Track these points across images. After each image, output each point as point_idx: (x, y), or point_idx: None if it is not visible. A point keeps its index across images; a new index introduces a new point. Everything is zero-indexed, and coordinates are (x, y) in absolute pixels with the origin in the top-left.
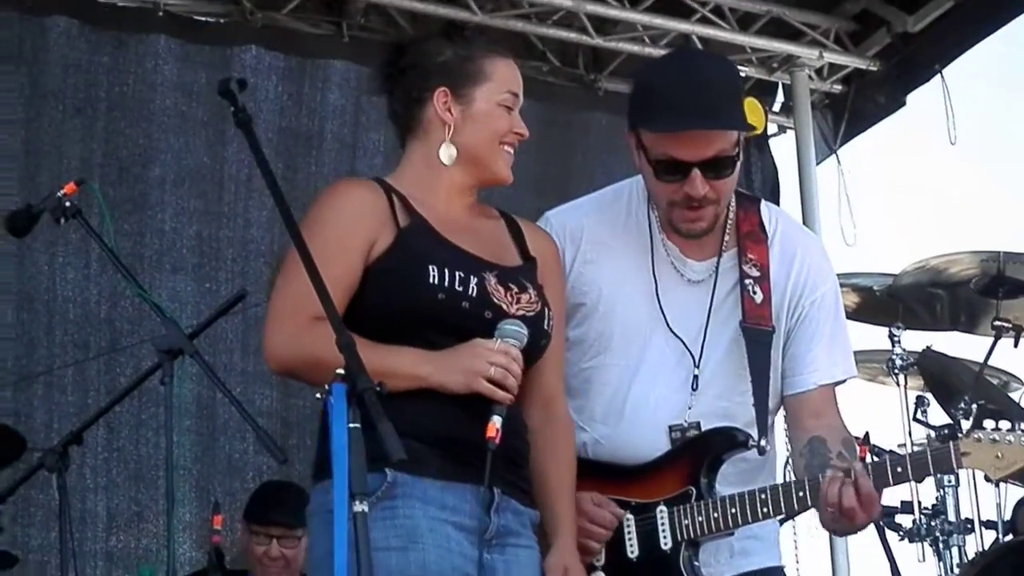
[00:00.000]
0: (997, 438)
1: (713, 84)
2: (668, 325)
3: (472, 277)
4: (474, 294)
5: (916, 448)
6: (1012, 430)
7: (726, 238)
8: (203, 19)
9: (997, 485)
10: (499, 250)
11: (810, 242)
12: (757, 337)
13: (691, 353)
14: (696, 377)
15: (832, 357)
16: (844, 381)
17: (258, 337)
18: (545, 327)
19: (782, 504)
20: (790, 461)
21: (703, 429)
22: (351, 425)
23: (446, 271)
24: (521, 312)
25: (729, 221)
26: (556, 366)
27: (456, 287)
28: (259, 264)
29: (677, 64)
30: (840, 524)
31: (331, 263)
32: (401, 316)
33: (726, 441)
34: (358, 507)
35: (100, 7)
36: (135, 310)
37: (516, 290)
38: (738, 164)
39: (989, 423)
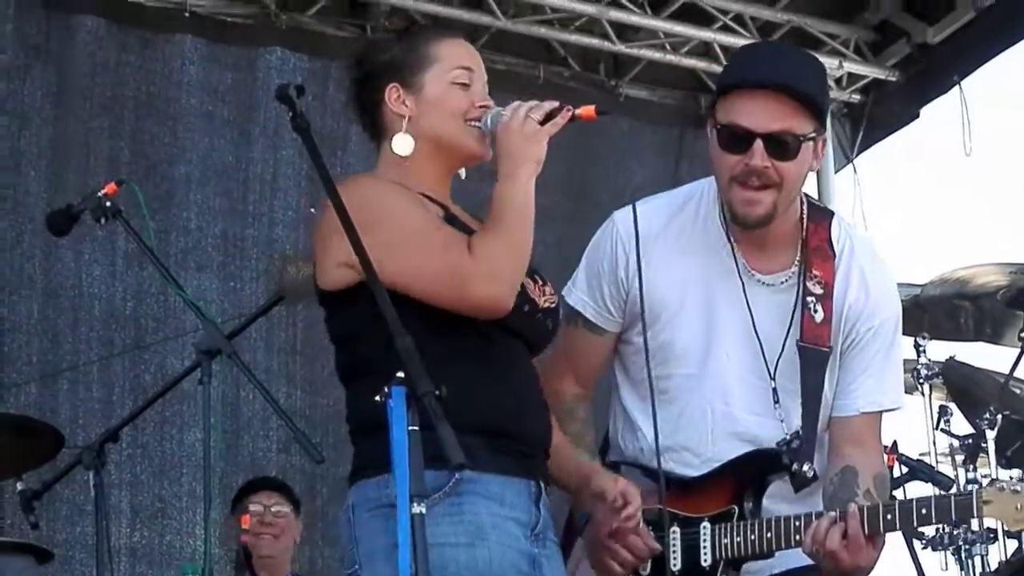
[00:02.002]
0: (1019, 489)
1: (795, 58)
2: (755, 330)
3: None
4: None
5: (939, 481)
6: None
7: (798, 252)
8: (229, 20)
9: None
10: None
11: (876, 265)
12: (813, 356)
13: (767, 364)
14: (775, 391)
15: (882, 386)
16: (893, 410)
17: (282, 336)
18: (559, 319)
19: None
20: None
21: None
22: (411, 428)
23: None
24: (547, 304)
25: (803, 235)
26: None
27: None
28: (283, 263)
29: (766, 44)
30: (827, 564)
31: (431, 228)
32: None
33: (771, 463)
34: (416, 508)
35: (127, 6)
36: (160, 307)
37: (541, 283)
38: (807, 153)
39: (1016, 473)
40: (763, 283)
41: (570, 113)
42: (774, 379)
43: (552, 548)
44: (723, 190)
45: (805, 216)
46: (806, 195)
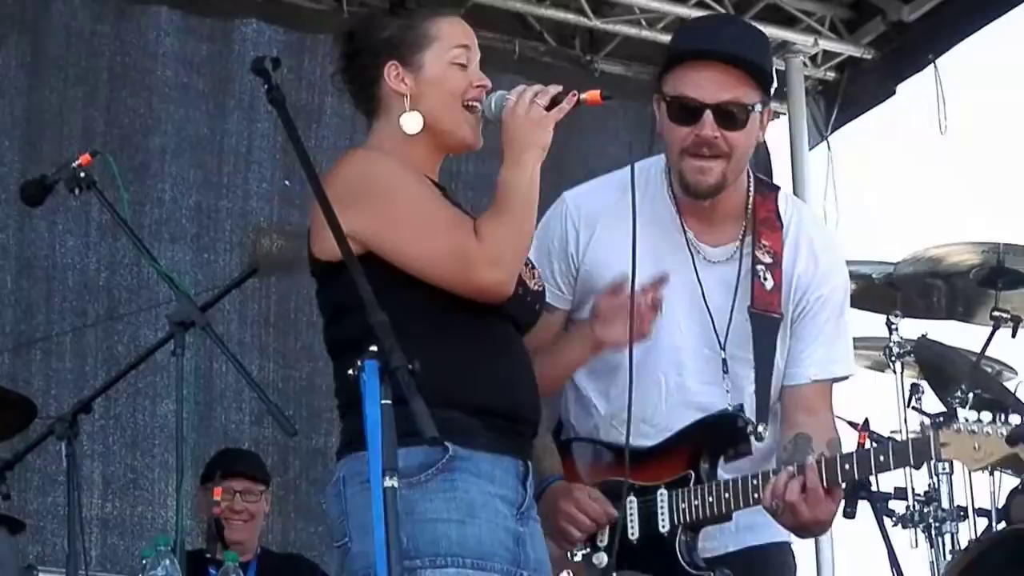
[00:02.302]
0: (976, 430)
1: (740, 29)
2: (705, 302)
3: None
4: None
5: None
6: (992, 422)
7: (744, 224)
8: None
9: (991, 473)
10: None
11: (824, 236)
12: (764, 323)
13: (717, 335)
14: (725, 361)
15: (831, 354)
16: (844, 378)
17: (255, 308)
18: (546, 302)
19: None
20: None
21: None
22: (383, 402)
23: None
24: (536, 287)
25: (748, 207)
26: None
27: None
28: (257, 236)
29: (710, 17)
30: (787, 519)
31: (439, 207)
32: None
33: (728, 427)
34: (388, 482)
35: None
36: (134, 278)
37: (530, 266)
38: (755, 123)
39: (971, 414)
40: (710, 257)
41: (576, 98)
42: (724, 349)
43: (534, 526)
44: (674, 162)
45: (752, 189)
46: (752, 171)
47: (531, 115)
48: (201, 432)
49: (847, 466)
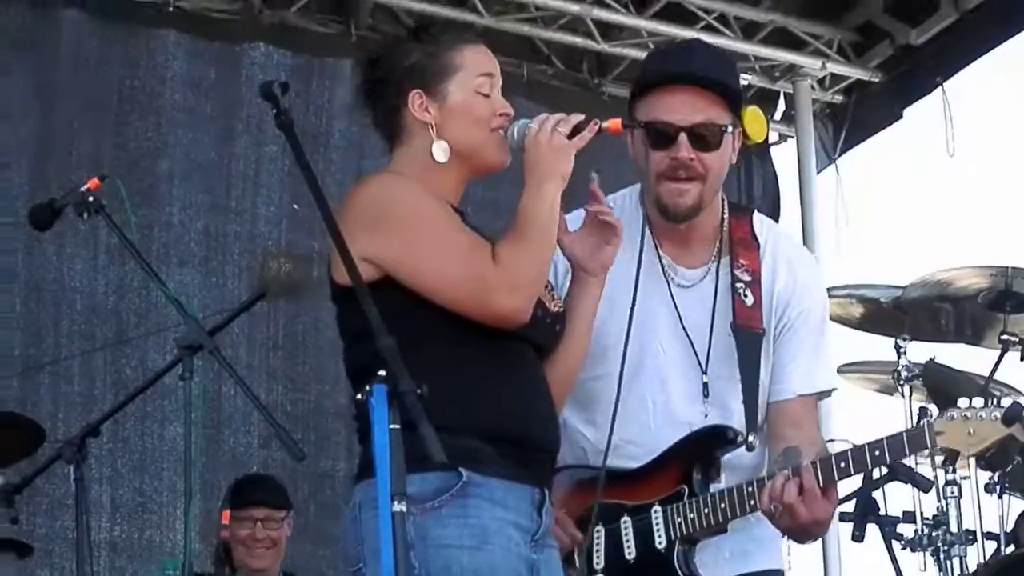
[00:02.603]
0: (969, 415)
1: (708, 54)
2: (683, 326)
3: None
4: None
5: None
6: (985, 407)
7: (718, 245)
8: (213, 15)
9: (1000, 496)
10: None
11: (801, 254)
12: (748, 338)
13: (698, 358)
14: (706, 384)
15: (815, 368)
16: (828, 393)
17: (264, 332)
18: (566, 324)
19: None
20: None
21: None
22: (392, 426)
23: None
24: (556, 308)
25: (723, 229)
26: None
27: None
28: (265, 259)
29: (676, 44)
30: (785, 521)
31: (457, 233)
32: None
33: (717, 438)
34: (396, 507)
35: (111, 1)
36: (142, 302)
37: (550, 287)
38: (727, 145)
39: (964, 402)
40: (685, 280)
41: (597, 126)
42: (706, 373)
43: (550, 553)
44: (651, 187)
45: (726, 212)
46: (724, 196)
47: (553, 143)
48: (210, 456)
49: (843, 464)
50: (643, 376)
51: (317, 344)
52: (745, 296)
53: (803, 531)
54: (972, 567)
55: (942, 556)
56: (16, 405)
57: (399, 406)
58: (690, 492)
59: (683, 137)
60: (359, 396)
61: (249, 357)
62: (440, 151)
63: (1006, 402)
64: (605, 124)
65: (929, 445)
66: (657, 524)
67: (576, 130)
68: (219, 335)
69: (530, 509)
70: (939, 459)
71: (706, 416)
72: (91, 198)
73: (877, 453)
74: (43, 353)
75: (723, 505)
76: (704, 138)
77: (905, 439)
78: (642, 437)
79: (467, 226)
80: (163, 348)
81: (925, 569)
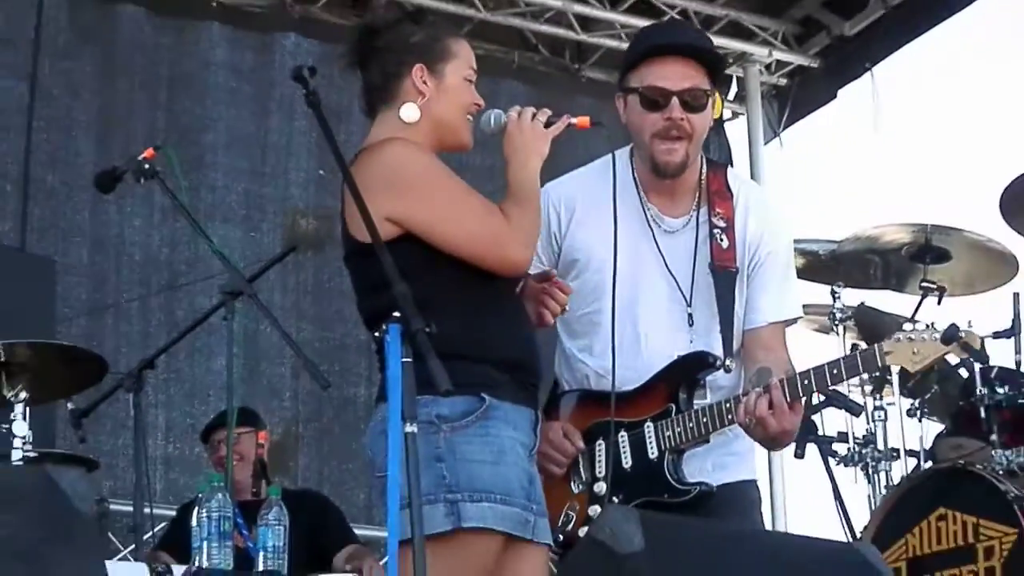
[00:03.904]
0: (913, 337)
1: (690, 30)
2: (667, 267)
3: None
4: None
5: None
6: (926, 330)
7: (697, 197)
8: (250, 9)
9: (920, 419)
10: None
11: (769, 202)
12: (723, 277)
13: (683, 293)
14: (690, 315)
15: (783, 299)
16: (793, 321)
17: (295, 279)
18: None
19: None
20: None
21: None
22: (404, 359)
23: None
24: None
25: (702, 182)
26: None
27: None
28: (296, 217)
29: (663, 22)
30: (758, 432)
31: (472, 196)
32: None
33: (699, 363)
34: (408, 428)
35: None
36: (191, 254)
37: None
38: (709, 108)
39: (908, 326)
40: (670, 227)
41: (568, 121)
42: (690, 305)
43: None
44: (644, 147)
45: (704, 168)
46: (703, 153)
47: (535, 129)
48: (249, 384)
49: (806, 381)
50: (636, 310)
51: (340, 289)
52: (721, 240)
53: (774, 440)
54: (896, 479)
55: (871, 470)
56: (83, 341)
57: (411, 342)
58: (677, 409)
59: (675, 100)
60: (376, 334)
61: (283, 300)
62: (407, 113)
63: (941, 325)
64: (574, 120)
65: (879, 363)
66: (649, 437)
67: (549, 121)
68: (256, 282)
69: (530, 428)
70: (868, 388)
71: (691, 342)
72: (147, 165)
73: (835, 371)
74: (106, 297)
75: (705, 420)
76: (692, 101)
77: (859, 358)
78: (635, 363)
79: None
80: (210, 293)
81: (856, 482)
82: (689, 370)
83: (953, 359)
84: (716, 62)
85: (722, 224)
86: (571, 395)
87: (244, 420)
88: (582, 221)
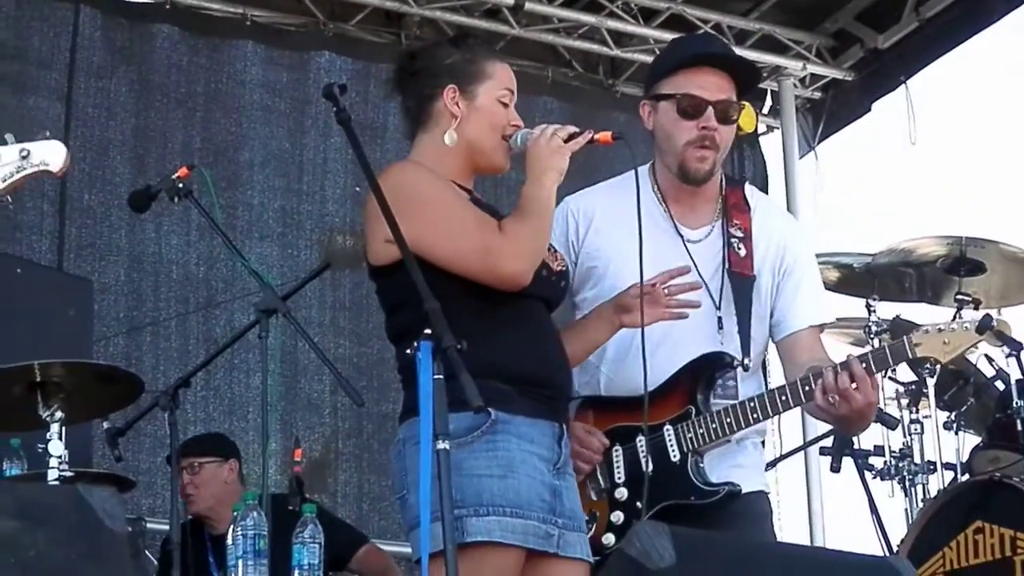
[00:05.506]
0: (943, 327)
1: (722, 44)
2: (699, 273)
3: None
4: None
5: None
6: (955, 320)
7: (717, 207)
8: (284, 28)
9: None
10: None
11: (785, 213)
12: (740, 282)
13: (712, 298)
14: (720, 319)
15: (817, 303)
16: (827, 324)
17: (333, 295)
18: (569, 280)
19: (768, 408)
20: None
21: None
22: (436, 376)
23: None
24: (559, 268)
25: (721, 196)
26: None
27: None
28: (332, 234)
29: (697, 35)
30: (842, 409)
31: (466, 210)
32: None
33: (716, 363)
34: (440, 445)
35: (198, 17)
36: (228, 271)
37: (553, 251)
38: (735, 122)
39: (936, 318)
40: (693, 237)
41: (590, 136)
42: (719, 308)
43: (570, 480)
44: (674, 153)
45: (723, 181)
46: (721, 171)
47: (551, 144)
48: (288, 401)
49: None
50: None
51: (377, 305)
52: (739, 248)
53: (860, 416)
54: (933, 492)
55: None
56: (122, 360)
57: (442, 359)
58: (696, 411)
59: (711, 110)
60: (407, 351)
61: (320, 316)
62: (449, 137)
63: (971, 315)
64: (597, 136)
65: (909, 355)
66: (670, 441)
67: (571, 137)
68: (295, 297)
69: (551, 442)
70: (904, 401)
71: (722, 344)
72: (181, 184)
73: (864, 365)
74: (144, 315)
75: (728, 420)
76: (725, 113)
77: (887, 351)
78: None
79: (476, 202)
80: (247, 310)
81: (893, 495)
82: (706, 371)
83: (989, 371)
84: (753, 75)
85: (740, 234)
86: (590, 401)
87: (209, 447)
88: (600, 229)
